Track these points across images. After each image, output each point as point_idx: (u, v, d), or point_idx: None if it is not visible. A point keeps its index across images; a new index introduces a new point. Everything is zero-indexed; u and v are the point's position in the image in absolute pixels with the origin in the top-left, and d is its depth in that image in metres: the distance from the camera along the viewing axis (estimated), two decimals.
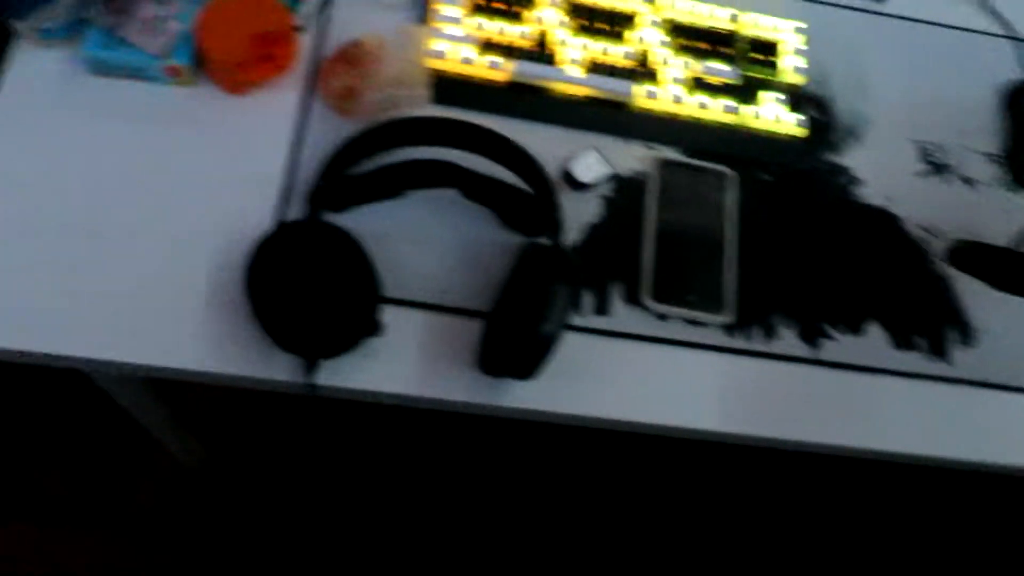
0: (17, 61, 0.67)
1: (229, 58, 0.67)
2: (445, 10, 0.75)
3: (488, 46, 0.75)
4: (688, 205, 0.72)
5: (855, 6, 0.88)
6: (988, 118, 0.85)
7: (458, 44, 0.74)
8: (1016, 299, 0.74)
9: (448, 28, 0.75)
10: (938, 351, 0.73)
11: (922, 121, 0.83)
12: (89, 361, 0.60)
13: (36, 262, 0.61)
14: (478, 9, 0.76)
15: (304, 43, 0.72)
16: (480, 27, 0.75)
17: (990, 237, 0.76)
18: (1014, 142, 0.84)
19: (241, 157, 0.67)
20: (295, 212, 0.66)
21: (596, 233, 0.71)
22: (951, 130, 0.83)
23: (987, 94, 0.86)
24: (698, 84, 0.77)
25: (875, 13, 0.88)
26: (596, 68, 0.76)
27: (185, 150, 0.67)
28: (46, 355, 0.59)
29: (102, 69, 0.67)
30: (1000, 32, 0.90)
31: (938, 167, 0.81)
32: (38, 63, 0.67)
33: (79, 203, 0.63)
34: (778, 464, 1.41)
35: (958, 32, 0.89)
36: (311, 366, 0.59)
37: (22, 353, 0.59)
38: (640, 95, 0.76)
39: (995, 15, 0.90)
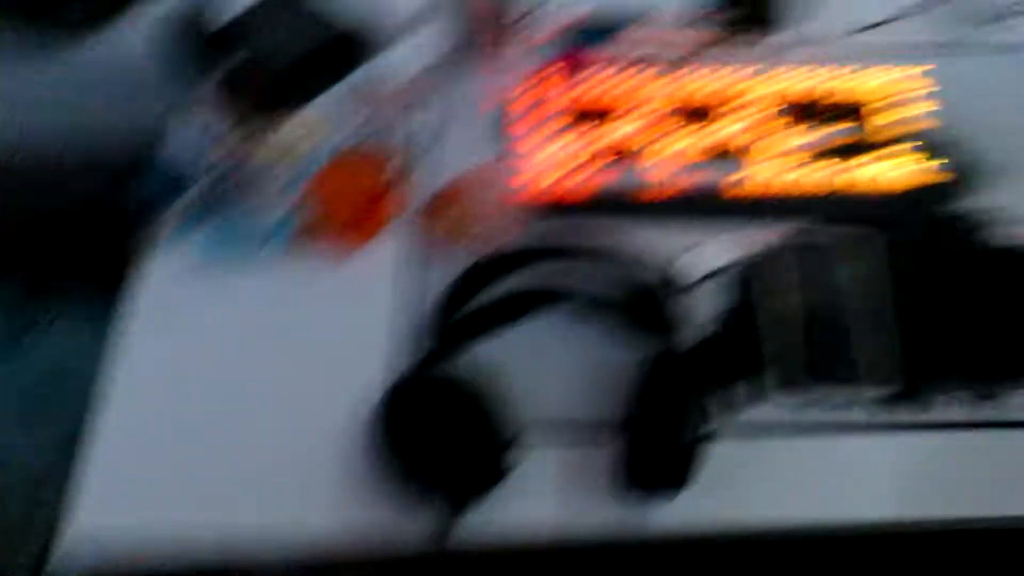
0: (146, 260, 0.72)
1: (339, 221, 0.70)
2: (533, 132, 0.76)
3: (584, 157, 0.75)
4: (827, 276, 0.68)
5: (973, 44, 0.84)
6: None
7: (552, 162, 0.74)
8: None
9: (539, 148, 0.75)
10: None
11: None
12: (221, 546, 0.60)
13: (165, 449, 0.63)
14: (568, 123, 0.77)
15: (404, 192, 0.75)
16: (572, 140, 0.76)
17: None
18: None
19: (358, 313, 0.69)
20: (414, 360, 0.66)
21: (730, 323, 0.67)
22: None
23: None
24: (818, 150, 0.74)
25: (996, 47, 0.83)
26: (702, 156, 0.74)
27: (305, 316, 0.69)
28: (179, 546, 0.59)
29: (224, 254, 0.71)
30: None
31: None
32: (164, 259, 0.72)
33: (206, 386, 0.65)
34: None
35: None
36: (450, 520, 0.56)
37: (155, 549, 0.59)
38: (755, 174, 0.73)
39: None
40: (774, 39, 0.84)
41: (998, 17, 0.84)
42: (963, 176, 0.74)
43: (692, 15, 0.84)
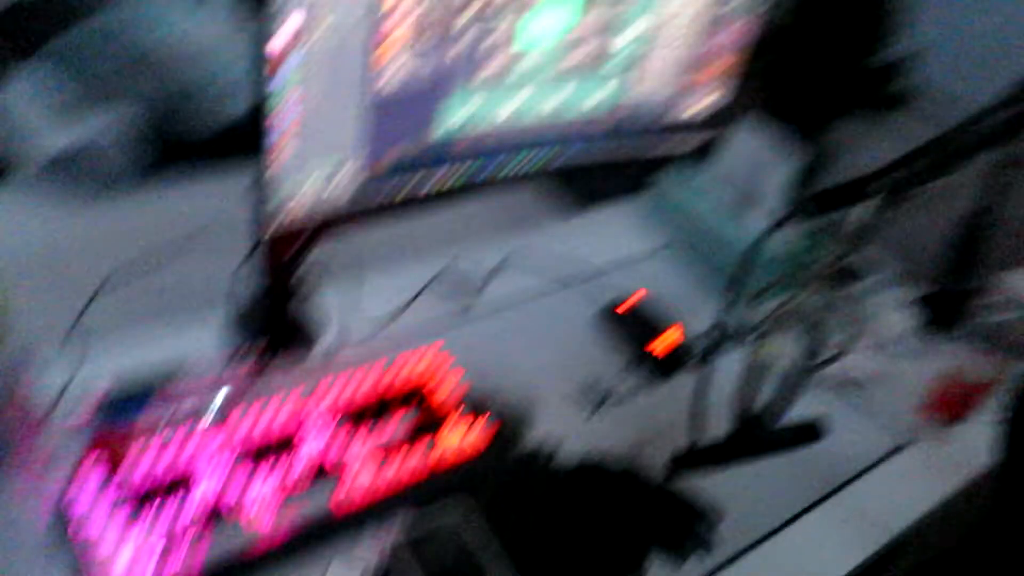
0: None
1: None
2: (104, 528, 0.66)
3: (172, 535, 0.67)
4: (445, 560, 0.70)
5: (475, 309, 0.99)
6: (602, 341, 0.99)
7: (138, 554, 0.65)
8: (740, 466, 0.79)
9: (118, 544, 0.66)
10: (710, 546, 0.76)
11: (561, 373, 0.93)
12: None
13: None
14: (141, 504, 0.69)
15: None
16: (152, 521, 0.68)
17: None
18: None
19: None
20: None
21: None
22: (592, 365, 0.95)
23: (593, 323, 1.01)
24: (385, 452, 0.78)
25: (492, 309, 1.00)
26: (296, 487, 0.73)
27: None
28: None
29: None
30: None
31: (603, 398, 0.91)
32: None
33: None
34: None
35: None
36: None
37: None
38: (350, 485, 0.74)
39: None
40: (312, 355, 0.87)
41: (482, 286, 1.00)
42: (510, 422, 0.85)
43: (228, 354, 0.83)
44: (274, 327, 0.88)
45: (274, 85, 0.67)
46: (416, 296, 0.98)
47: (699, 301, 1.06)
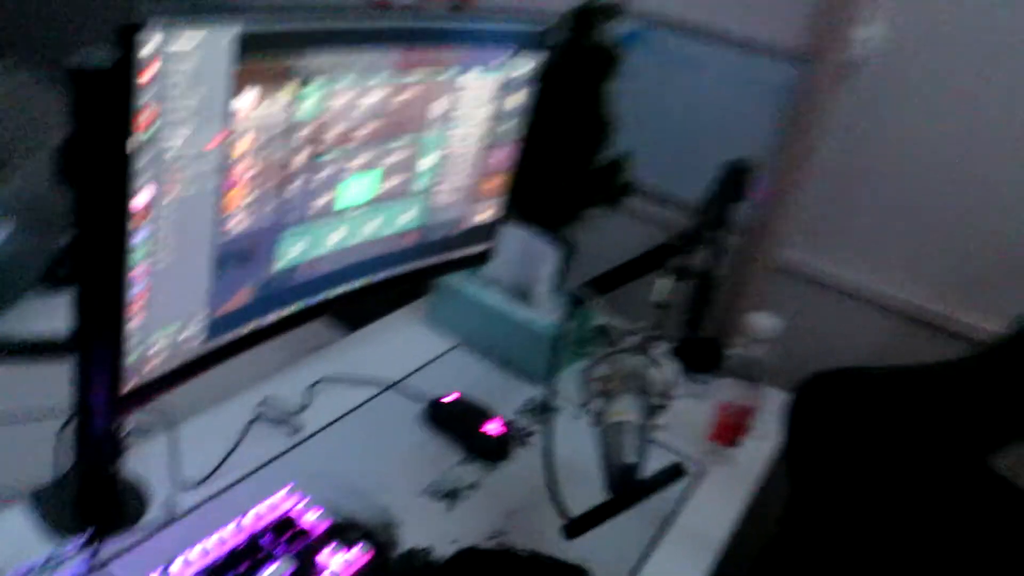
0: None
1: None
2: None
3: None
4: None
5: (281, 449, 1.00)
6: (432, 438, 1.06)
7: None
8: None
9: None
10: None
11: (408, 476, 0.99)
12: None
13: None
14: None
15: None
16: None
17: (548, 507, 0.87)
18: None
19: None
20: None
21: None
22: (432, 462, 1.01)
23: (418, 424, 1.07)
24: None
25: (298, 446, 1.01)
26: None
27: None
28: None
29: None
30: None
31: (450, 493, 0.97)
32: None
33: None
34: None
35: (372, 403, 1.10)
36: None
37: None
38: None
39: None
40: (149, 527, 0.83)
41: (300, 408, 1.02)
42: (381, 535, 0.88)
43: (49, 554, 0.75)
44: (100, 506, 0.80)
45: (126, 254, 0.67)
46: (236, 446, 0.96)
47: (502, 387, 1.17)
